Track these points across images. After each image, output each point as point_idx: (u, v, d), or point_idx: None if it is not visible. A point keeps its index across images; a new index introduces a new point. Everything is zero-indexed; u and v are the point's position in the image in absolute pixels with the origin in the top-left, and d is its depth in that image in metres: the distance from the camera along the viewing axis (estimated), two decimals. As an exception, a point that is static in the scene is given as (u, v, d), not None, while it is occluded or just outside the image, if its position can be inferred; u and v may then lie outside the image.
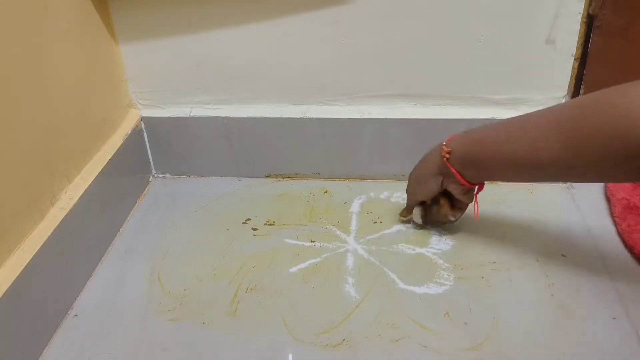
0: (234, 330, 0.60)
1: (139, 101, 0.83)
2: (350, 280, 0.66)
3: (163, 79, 0.80)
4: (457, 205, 0.67)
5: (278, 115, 0.80)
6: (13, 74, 0.57)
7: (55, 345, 0.60)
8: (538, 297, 0.62)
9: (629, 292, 0.61)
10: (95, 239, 0.71)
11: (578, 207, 0.75)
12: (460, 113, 0.77)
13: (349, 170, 0.84)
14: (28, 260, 0.57)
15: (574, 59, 0.73)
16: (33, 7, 0.60)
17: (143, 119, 0.83)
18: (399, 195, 0.79)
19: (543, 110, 0.54)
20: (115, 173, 0.75)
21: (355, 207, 0.78)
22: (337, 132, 0.80)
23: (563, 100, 0.75)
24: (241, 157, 0.84)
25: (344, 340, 0.58)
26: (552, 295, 0.62)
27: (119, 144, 0.77)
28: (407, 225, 0.74)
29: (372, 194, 0.80)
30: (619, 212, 0.71)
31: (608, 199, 0.75)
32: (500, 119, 0.75)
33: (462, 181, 0.61)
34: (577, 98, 0.55)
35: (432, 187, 0.65)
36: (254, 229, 0.75)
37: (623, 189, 0.74)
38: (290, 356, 0.57)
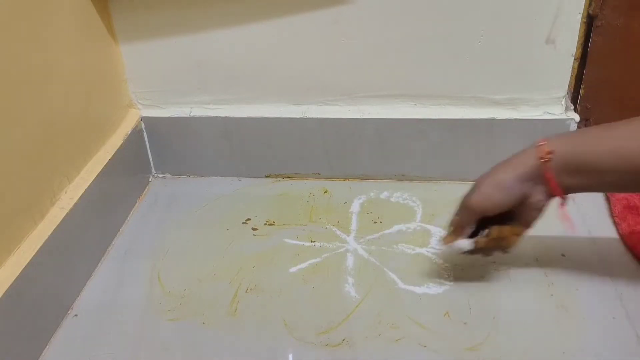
0: (234, 330, 0.60)
1: (139, 101, 0.83)
2: (350, 280, 0.66)
3: (163, 79, 0.80)
4: (517, 232, 0.55)
5: (278, 115, 0.80)
6: (13, 74, 0.57)
7: (55, 345, 0.60)
8: (538, 297, 0.62)
9: (629, 292, 0.61)
10: (95, 239, 0.71)
11: (578, 207, 0.75)
12: (460, 113, 0.77)
13: (349, 170, 0.83)
14: (28, 260, 0.57)
15: (574, 59, 0.73)
16: (33, 8, 0.60)
17: (143, 119, 0.83)
18: (398, 195, 0.79)
19: None
20: (115, 173, 0.75)
21: (355, 207, 0.78)
22: (337, 132, 0.80)
23: (563, 101, 0.75)
24: (241, 157, 0.84)
25: (344, 340, 0.58)
26: (552, 295, 0.62)
27: (119, 144, 0.77)
28: (407, 225, 0.74)
29: (372, 194, 0.80)
30: (618, 212, 0.71)
31: (608, 199, 0.75)
32: (499, 119, 0.76)
33: (554, 190, 0.51)
34: None
35: (514, 196, 0.53)
36: (254, 229, 0.75)
37: (623, 189, 0.74)
38: (290, 356, 0.57)
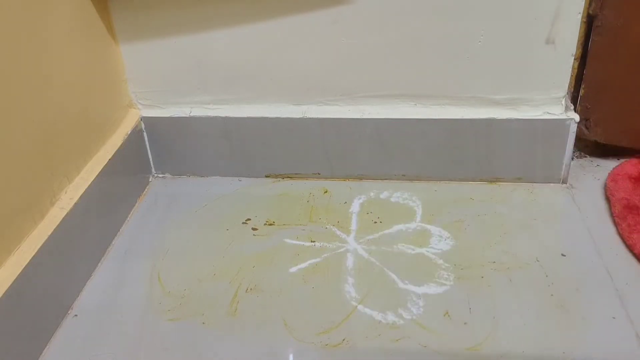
0: (234, 330, 0.60)
1: (139, 101, 0.83)
2: (350, 280, 0.66)
3: (163, 79, 0.80)
4: None
5: (278, 115, 0.80)
6: (13, 74, 0.57)
7: (55, 345, 0.60)
8: (538, 297, 0.62)
9: (629, 292, 0.61)
10: (95, 239, 0.71)
11: (578, 207, 0.75)
12: (460, 113, 0.77)
13: (349, 170, 0.84)
14: (28, 260, 0.57)
15: (574, 59, 0.73)
16: (33, 8, 0.60)
17: (143, 118, 0.83)
18: (398, 195, 0.79)
19: None
20: (115, 173, 0.75)
21: (355, 207, 0.78)
22: (337, 132, 0.80)
23: (563, 101, 0.75)
24: (241, 157, 0.84)
25: (344, 340, 0.58)
26: (552, 295, 0.62)
27: (119, 144, 0.77)
28: (407, 225, 0.74)
29: (372, 194, 0.80)
30: (618, 212, 0.71)
31: (608, 199, 0.75)
32: (499, 118, 0.76)
33: None
34: None
35: None
36: (254, 229, 0.75)
37: (623, 189, 0.74)
38: (290, 356, 0.57)
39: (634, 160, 0.80)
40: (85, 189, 0.68)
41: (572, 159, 0.80)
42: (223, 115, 0.81)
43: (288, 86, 0.79)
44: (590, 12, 0.72)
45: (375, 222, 0.75)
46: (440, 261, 0.67)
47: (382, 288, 0.64)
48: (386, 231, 0.73)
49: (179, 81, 0.80)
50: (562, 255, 0.67)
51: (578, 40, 0.72)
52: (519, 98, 0.76)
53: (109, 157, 0.74)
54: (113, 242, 0.74)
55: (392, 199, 0.79)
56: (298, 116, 0.79)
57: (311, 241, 0.72)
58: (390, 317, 0.60)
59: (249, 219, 0.77)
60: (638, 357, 0.55)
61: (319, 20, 0.73)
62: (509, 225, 0.72)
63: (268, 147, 0.83)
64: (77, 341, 0.60)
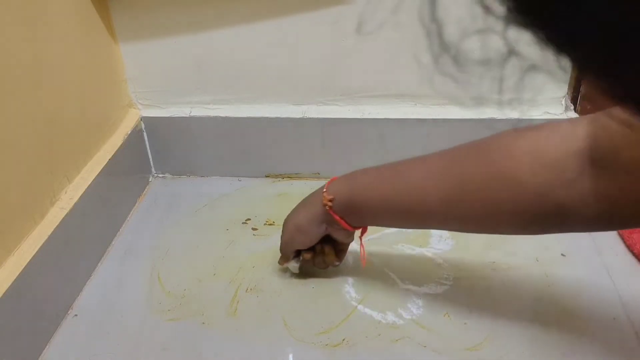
0: (234, 330, 0.60)
1: (139, 101, 0.83)
2: (350, 280, 0.66)
3: (163, 79, 0.80)
4: (339, 248, 0.62)
5: (278, 115, 0.80)
6: (13, 74, 0.57)
7: (55, 345, 0.60)
8: (538, 297, 0.62)
9: (629, 292, 0.61)
10: (95, 239, 0.71)
11: (578, 207, 0.75)
12: (460, 113, 0.77)
13: (348, 170, 0.83)
14: (28, 260, 0.57)
15: (574, 59, 0.73)
16: (33, 8, 0.60)
17: (143, 118, 0.83)
18: (399, 195, 0.79)
19: (427, 155, 0.53)
20: (115, 173, 0.75)
21: (355, 207, 0.78)
22: (337, 132, 0.80)
23: (563, 101, 0.75)
24: (241, 157, 0.84)
25: (344, 340, 0.58)
26: (552, 295, 0.62)
27: (118, 144, 0.77)
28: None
29: (372, 194, 0.80)
30: (619, 212, 0.71)
31: (608, 199, 0.75)
32: (499, 119, 0.76)
33: (347, 227, 0.57)
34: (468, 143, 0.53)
35: (314, 236, 0.59)
36: (254, 229, 0.75)
37: (623, 189, 0.74)
38: (290, 356, 0.57)
39: (634, 160, 0.80)
40: (85, 189, 0.68)
41: (572, 159, 0.80)
42: (223, 115, 0.81)
43: (288, 86, 0.79)
44: (591, 12, 0.71)
45: (375, 222, 0.75)
46: (441, 261, 0.67)
47: (382, 288, 0.64)
48: (386, 231, 0.73)
49: (179, 81, 0.80)
50: (562, 255, 0.67)
51: (578, 40, 0.72)
52: (519, 98, 0.76)
53: (109, 157, 0.74)
54: (113, 242, 0.74)
55: (392, 199, 0.79)
56: (298, 116, 0.79)
57: (311, 241, 0.72)
58: (390, 317, 0.60)
59: (249, 219, 0.77)
60: (638, 357, 0.55)
61: (319, 20, 0.73)
62: (509, 225, 0.72)
63: (268, 147, 0.83)
64: (77, 341, 0.60)
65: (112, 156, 0.74)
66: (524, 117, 0.76)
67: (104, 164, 0.73)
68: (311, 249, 0.62)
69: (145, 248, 0.73)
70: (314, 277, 0.66)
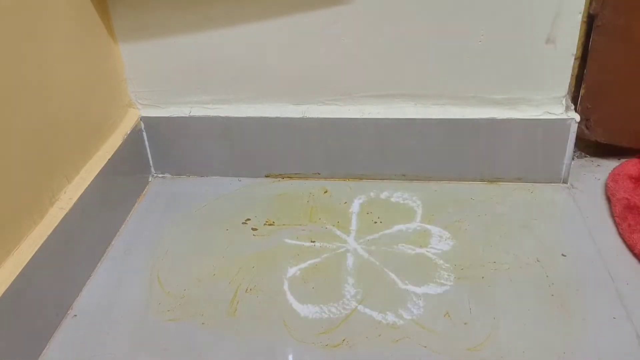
0: (234, 330, 0.60)
1: (139, 101, 0.83)
2: (350, 280, 0.66)
3: (163, 78, 0.80)
4: None
5: (278, 115, 0.80)
6: (12, 74, 0.57)
7: (55, 345, 0.60)
8: (538, 297, 0.62)
9: (629, 292, 0.61)
10: (95, 239, 0.71)
11: (578, 207, 0.74)
12: (460, 113, 0.77)
13: (349, 170, 0.83)
14: (28, 260, 0.57)
15: (575, 59, 0.73)
16: (33, 8, 0.60)
17: (142, 118, 0.83)
18: (399, 195, 0.79)
19: None
20: (115, 173, 0.75)
21: (355, 207, 0.78)
22: (337, 132, 0.80)
23: (563, 101, 0.75)
24: (241, 157, 0.84)
25: (344, 340, 0.58)
26: (552, 295, 0.62)
27: (118, 144, 0.77)
28: (407, 225, 0.74)
29: (372, 194, 0.80)
30: (619, 212, 0.71)
31: (608, 199, 0.75)
32: (501, 119, 0.76)
33: None
34: None
35: None
36: (253, 229, 0.75)
37: (624, 189, 0.74)
38: (290, 356, 0.57)
39: (635, 160, 0.80)
40: (85, 189, 0.68)
41: (573, 159, 0.80)
42: (223, 115, 0.81)
43: (288, 86, 0.79)
44: (591, 11, 0.71)
45: (375, 222, 0.75)
46: (441, 261, 0.67)
47: (382, 288, 0.64)
48: (386, 231, 0.73)
49: (179, 81, 0.80)
50: (563, 255, 0.67)
51: (578, 40, 0.72)
52: (519, 98, 0.76)
53: (109, 157, 0.74)
54: (112, 242, 0.74)
55: (392, 199, 0.79)
56: (298, 116, 0.79)
57: (311, 241, 0.72)
58: (391, 318, 0.60)
59: (248, 219, 0.77)
60: (638, 357, 0.55)
61: (319, 20, 0.73)
62: (509, 225, 0.72)
63: (268, 147, 0.83)
64: (77, 341, 0.60)
65: (112, 156, 0.74)
66: (524, 117, 0.76)
67: (104, 164, 0.72)
68: None
69: (144, 248, 0.73)
70: (314, 277, 0.66)
